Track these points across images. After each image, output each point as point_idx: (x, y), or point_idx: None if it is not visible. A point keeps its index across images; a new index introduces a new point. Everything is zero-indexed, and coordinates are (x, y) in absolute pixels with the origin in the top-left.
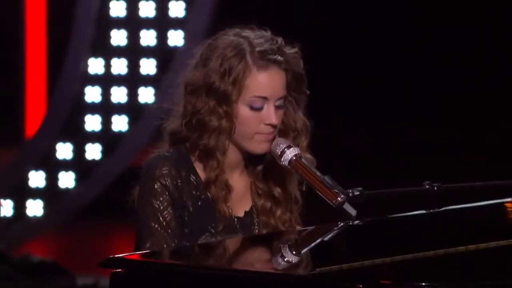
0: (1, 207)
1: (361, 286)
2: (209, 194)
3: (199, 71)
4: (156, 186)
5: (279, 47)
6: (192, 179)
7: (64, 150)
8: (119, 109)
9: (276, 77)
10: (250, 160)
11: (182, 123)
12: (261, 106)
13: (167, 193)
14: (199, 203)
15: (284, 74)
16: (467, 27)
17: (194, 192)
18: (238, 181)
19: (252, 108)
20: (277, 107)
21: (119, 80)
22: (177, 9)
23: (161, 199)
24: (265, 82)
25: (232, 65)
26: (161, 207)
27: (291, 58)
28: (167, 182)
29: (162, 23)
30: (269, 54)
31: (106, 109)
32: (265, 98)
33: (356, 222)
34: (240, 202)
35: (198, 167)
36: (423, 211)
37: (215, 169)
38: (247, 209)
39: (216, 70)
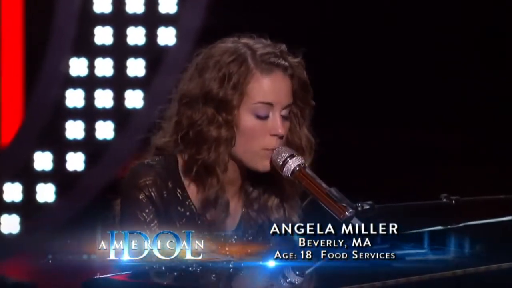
0: None
1: None
2: (194, 208)
3: (195, 81)
4: (141, 197)
5: (282, 51)
6: (178, 193)
7: (42, 160)
8: (104, 114)
9: (281, 82)
10: (249, 177)
11: (174, 139)
12: (266, 115)
13: (152, 204)
14: (184, 220)
15: (289, 80)
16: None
17: (179, 208)
18: (231, 201)
19: (257, 116)
20: (283, 117)
21: (104, 83)
22: (167, 5)
23: (146, 210)
24: (270, 87)
25: (232, 70)
26: (148, 219)
27: (295, 65)
28: (152, 193)
29: (151, 19)
30: (272, 57)
31: (89, 114)
32: (270, 105)
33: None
34: (229, 221)
35: (187, 183)
36: (440, 227)
37: (214, 187)
38: (234, 228)
39: (214, 77)
